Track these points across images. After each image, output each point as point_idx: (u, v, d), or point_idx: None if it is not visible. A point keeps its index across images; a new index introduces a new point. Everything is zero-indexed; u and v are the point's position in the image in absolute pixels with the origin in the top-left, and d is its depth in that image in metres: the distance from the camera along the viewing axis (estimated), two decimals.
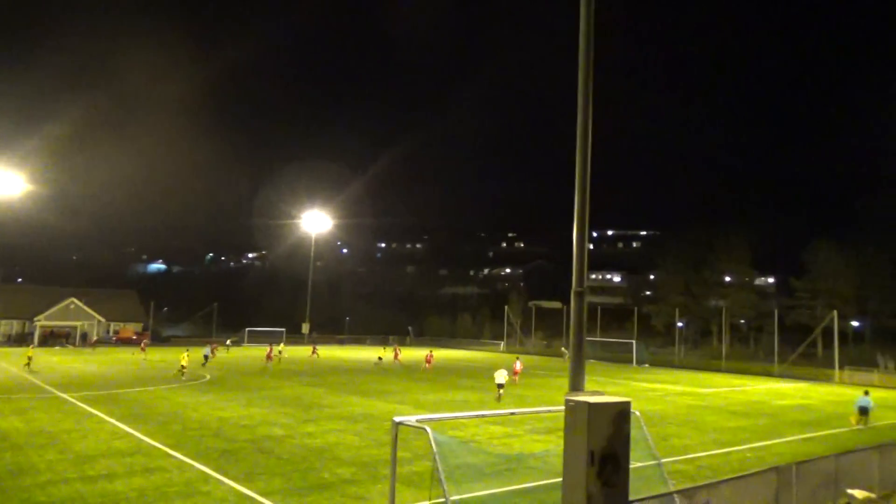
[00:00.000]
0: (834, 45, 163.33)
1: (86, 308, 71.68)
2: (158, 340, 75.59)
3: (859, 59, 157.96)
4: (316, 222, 79.28)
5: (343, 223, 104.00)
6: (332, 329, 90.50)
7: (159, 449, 16.19)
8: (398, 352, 52.18)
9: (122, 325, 75.89)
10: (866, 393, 26.10)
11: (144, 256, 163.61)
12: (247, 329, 73.38)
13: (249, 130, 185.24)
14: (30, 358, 38.00)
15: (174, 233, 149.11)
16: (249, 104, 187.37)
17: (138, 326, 77.24)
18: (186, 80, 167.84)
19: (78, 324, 70.35)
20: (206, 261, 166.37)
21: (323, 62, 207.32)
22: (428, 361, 45.50)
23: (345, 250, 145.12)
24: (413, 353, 59.59)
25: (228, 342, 64.30)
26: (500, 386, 29.33)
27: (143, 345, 54.15)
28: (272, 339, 64.43)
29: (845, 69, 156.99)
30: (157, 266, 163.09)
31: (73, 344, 65.90)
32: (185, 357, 36.15)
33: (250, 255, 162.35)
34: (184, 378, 33.89)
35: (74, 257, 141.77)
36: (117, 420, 20.13)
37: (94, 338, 67.98)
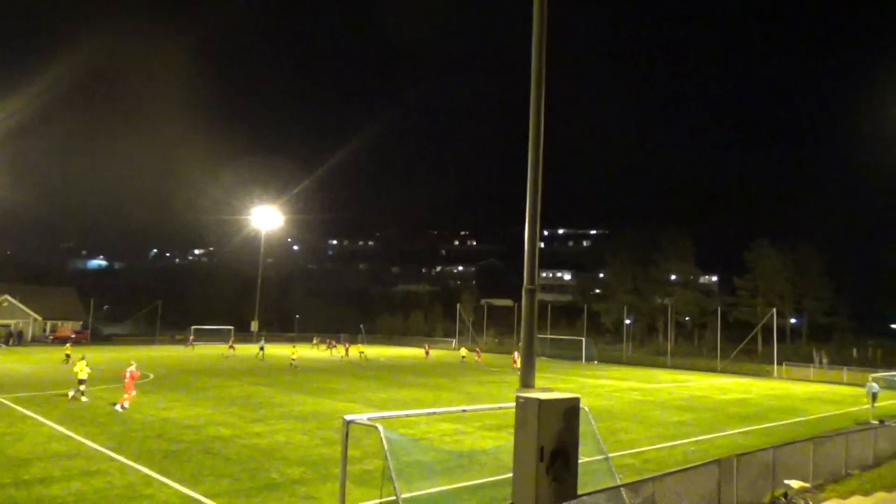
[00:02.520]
0: (775, 55, 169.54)
1: (20, 305, 68.62)
2: (99, 339, 72.97)
3: (801, 67, 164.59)
4: (266, 218, 77.80)
5: (294, 219, 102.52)
6: (281, 327, 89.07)
7: (100, 451, 15.62)
8: (479, 352, 58.71)
9: (59, 323, 72.95)
10: (874, 380, 28.14)
11: (84, 252, 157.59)
12: (193, 327, 71.50)
13: (196, 123, 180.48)
14: (68, 355, 40.00)
15: (116, 228, 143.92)
16: (197, 97, 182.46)
17: (77, 325, 74.40)
18: (130, 72, 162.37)
19: (12, 322, 67.28)
20: (150, 257, 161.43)
21: (273, 57, 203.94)
22: (478, 355, 56.41)
23: (295, 247, 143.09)
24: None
25: (337, 341, 67.79)
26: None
27: (230, 343, 56.27)
28: (350, 337, 69.63)
29: (787, 75, 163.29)
30: (98, 262, 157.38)
31: (7, 343, 62.96)
32: (294, 351, 44.72)
33: (196, 252, 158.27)
34: (295, 369, 40.48)
35: (8, 252, 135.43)
36: (55, 422, 19.33)
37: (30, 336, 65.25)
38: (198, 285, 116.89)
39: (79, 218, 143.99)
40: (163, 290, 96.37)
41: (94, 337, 72.86)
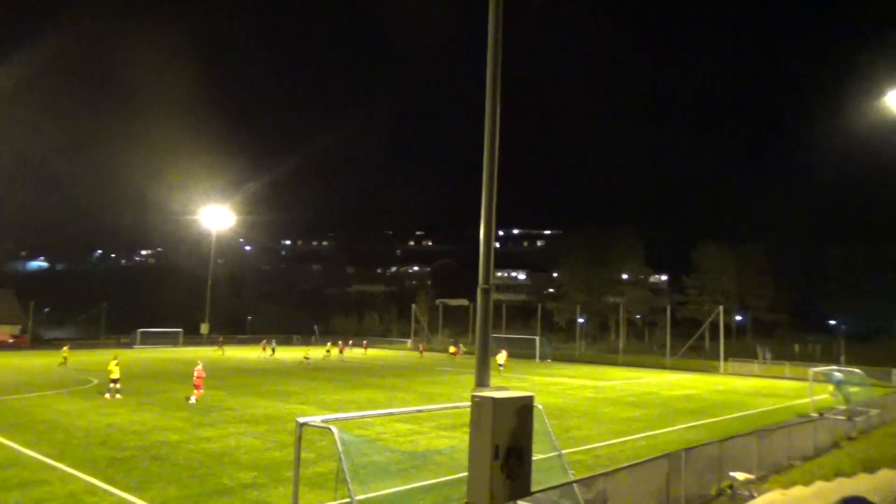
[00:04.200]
0: (720, 62, 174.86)
1: None
2: (40, 343, 70.12)
3: (747, 74, 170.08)
4: (216, 218, 76.11)
5: (246, 219, 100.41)
6: (232, 329, 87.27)
7: (39, 460, 14.99)
8: (459, 348, 63.48)
9: None
10: (836, 371, 29.29)
11: (23, 253, 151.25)
12: (139, 330, 69.49)
13: (143, 120, 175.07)
14: (65, 358, 41.10)
15: (58, 228, 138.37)
16: (144, 94, 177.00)
17: (16, 329, 71.33)
18: (74, 66, 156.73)
19: None
20: (94, 258, 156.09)
21: (226, 55, 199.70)
22: (454, 354, 60.75)
23: (247, 248, 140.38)
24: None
25: (358, 343, 71.06)
26: (501, 365, 43.56)
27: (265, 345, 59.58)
28: (340, 337, 68.56)
29: (733, 82, 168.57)
30: (39, 263, 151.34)
31: None
32: (307, 351, 49.75)
33: (143, 253, 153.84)
34: (309, 365, 45.27)
35: None
36: None
37: None
38: (145, 287, 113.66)
39: (18, 218, 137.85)
40: (107, 292, 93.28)
41: (34, 341, 70.01)
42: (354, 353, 64.45)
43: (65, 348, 43.64)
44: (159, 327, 72.60)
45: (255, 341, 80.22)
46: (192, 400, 25.16)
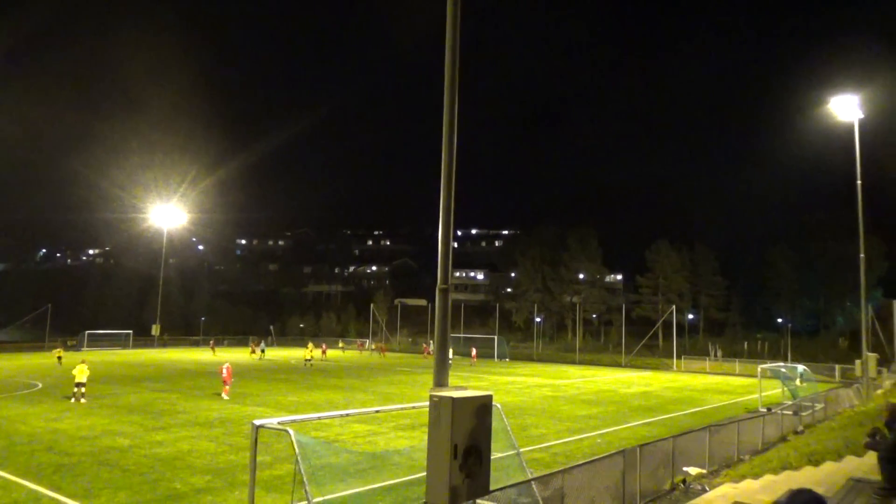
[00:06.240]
0: (674, 66, 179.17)
1: None
2: None
3: (699, 80, 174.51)
4: (168, 216, 74.16)
5: (199, 218, 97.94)
6: (185, 331, 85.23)
7: None
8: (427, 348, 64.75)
9: None
10: (783, 367, 30.02)
11: None
12: (86, 332, 67.23)
13: (93, 115, 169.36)
14: (59, 358, 42.67)
15: (0, 226, 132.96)
16: (92, 85, 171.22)
17: None
18: (15, 52, 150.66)
19: None
20: (38, 258, 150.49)
21: (179, 50, 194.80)
22: (425, 351, 63.18)
23: (200, 247, 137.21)
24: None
25: (341, 343, 74.68)
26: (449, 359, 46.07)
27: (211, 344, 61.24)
28: (315, 339, 68.77)
29: (686, 88, 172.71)
30: None
31: None
32: (309, 352, 48.94)
33: (91, 252, 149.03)
34: (310, 367, 45.52)
35: None
36: None
37: None
38: (92, 288, 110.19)
39: None
40: (53, 293, 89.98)
41: None
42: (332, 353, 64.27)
43: (59, 349, 45.24)
44: (107, 329, 70.44)
45: (204, 343, 78.60)
46: (226, 395, 27.19)
